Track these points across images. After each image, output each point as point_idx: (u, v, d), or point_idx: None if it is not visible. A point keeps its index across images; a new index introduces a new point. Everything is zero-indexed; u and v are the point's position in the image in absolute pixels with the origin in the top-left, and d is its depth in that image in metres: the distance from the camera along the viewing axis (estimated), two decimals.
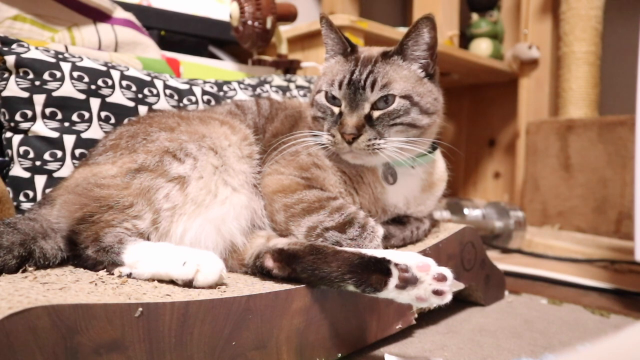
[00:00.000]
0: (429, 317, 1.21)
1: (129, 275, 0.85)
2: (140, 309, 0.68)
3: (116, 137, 1.08)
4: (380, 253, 0.86)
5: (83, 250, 0.90)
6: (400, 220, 1.16)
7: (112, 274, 0.85)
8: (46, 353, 0.59)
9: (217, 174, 0.99)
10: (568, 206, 2.38)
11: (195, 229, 0.94)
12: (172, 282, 0.84)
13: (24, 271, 0.82)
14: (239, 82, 1.72)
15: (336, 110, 1.05)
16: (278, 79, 2.05)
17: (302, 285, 0.88)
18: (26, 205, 1.21)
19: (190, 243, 0.94)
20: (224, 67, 2.20)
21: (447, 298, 0.83)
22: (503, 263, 1.80)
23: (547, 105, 2.72)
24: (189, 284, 0.82)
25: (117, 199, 0.92)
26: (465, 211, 2.24)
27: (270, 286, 0.87)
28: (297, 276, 0.88)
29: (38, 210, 1.01)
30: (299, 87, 2.07)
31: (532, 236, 2.20)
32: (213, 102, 1.55)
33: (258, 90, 1.72)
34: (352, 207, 1.00)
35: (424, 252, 1.11)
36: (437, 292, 0.82)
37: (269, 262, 0.90)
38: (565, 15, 2.54)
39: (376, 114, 1.01)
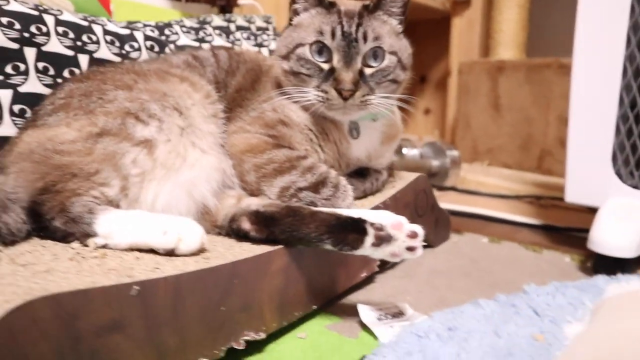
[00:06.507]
0: (387, 262, 1.29)
1: (105, 246, 0.83)
2: (137, 287, 0.67)
3: (66, 95, 1.00)
4: (355, 213, 0.90)
5: (49, 221, 0.85)
6: (360, 173, 1.20)
7: (86, 246, 0.83)
8: (51, 342, 0.58)
9: (184, 135, 0.96)
10: (496, 144, 2.54)
11: (166, 194, 0.92)
12: (151, 250, 0.83)
13: None
14: (181, 25, 1.62)
15: (325, 66, 1.03)
16: (217, 19, 1.95)
17: (280, 246, 0.90)
18: None
19: (162, 208, 0.92)
20: (157, 5, 2.06)
21: (418, 253, 0.89)
22: (440, 202, 1.92)
23: (477, 46, 2.82)
24: (170, 253, 0.82)
25: (81, 166, 0.88)
26: (404, 151, 2.33)
27: (249, 248, 0.89)
28: (275, 238, 0.90)
29: None
30: (239, 28, 1.99)
31: (464, 173, 2.35)
32: (157, 48, 1.46)
33: (201, 34, 1.64)
34: (323, 167, 1.02)
35: (384, 203, 1.17)
36: (410, 248, 0.88)
37: (246, 225, 0.91)
38: None
39: (369, 70, 1.02)
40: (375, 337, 0.94)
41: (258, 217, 0.91)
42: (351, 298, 1.10)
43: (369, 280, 1.18)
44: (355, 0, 1.13)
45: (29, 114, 1.18)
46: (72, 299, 0.61)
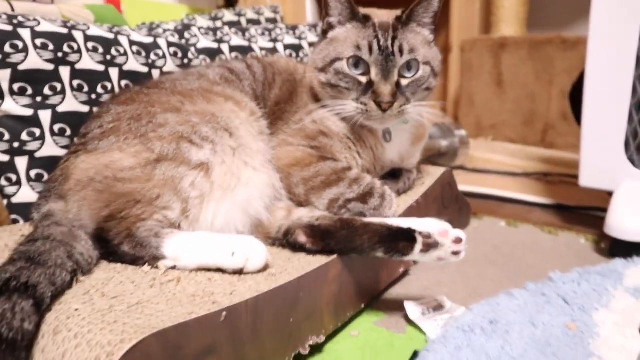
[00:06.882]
0: None
1: (173, 268, 0.89)
2: (225, 313, 0.74)
3: (114, 118, 1.03)
4: (404, 223, 0.96)
5: (117, 247, 0.90)
6: (393, 174, 1.26)
7: (157, 268, 0.89)
8: None
9: (236, 155, 1.00)
10: (500, 119, 2.60)
11: (224, 213, 0.98)
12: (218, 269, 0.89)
13: (76, 282, 0.83)
14: (198, 27, 1.64)
15: (363, 79, 1.07)
16: (228, 14, 1.97)
17: (335, 256, 0.97)
18: (11, 190, 1.15)
19: (221, 227, 0.98)
20: (163, 1, 2.06)
21: (462, 256, 0.96)
22: None
23: (478, 22, 2.83)
24: (238, 272, 0.88)
25: (143, 192, 0.92)
26: None
27: (306, 260, 0.95)
28: (330, 249, 0.96)
29: (47, 205, 0.99)
30: (250, 22, 2.01)
31: (472, 151, 2.41)
32: (180, 54, 1.48)
33: (219, 34, 1.65)
34: (368, 177, 1.08)
35: (417, 202, 1.24)
36: (455, 253, 0.95)
37: (302, 238, 0.97)
38: None
39: (405, 81, 1.07)
40: (421, 331, 1.02)
41: (314, 230, 0.97)
42: (392, 292, 1.17)
43: (404, 273, 1.25)
44: (386, 10, 1.16)
45: (69, 132, 1.21)
46: (175, 332, 0.67)
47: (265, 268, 0.91)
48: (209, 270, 0.89)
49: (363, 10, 1.13)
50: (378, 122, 1.09)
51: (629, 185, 1.38)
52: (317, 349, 0.95)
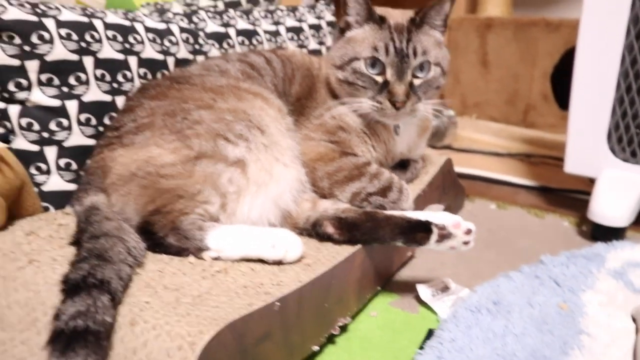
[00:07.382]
0: None
1: (217, 258, 0.97)
2: (278, 303, 0.83)
3: (147, 114, 1.08)
4: (422, 216, 1.06)
5: (163, 239, 0.97)
6: (401, 164, 1.35)
7: (201, 258, 0.96)
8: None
9: (268, 152, 1.07)
10: (484, 98, 2.71)
11: (258, 207, 1.05)
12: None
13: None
14: (205, 10, 1.66)
15: (379, 78, 1.14)
16: None
17: (359, 245, 1.07)
18: (41, 179, 1.19)
19: (255, 219, 1.06)
20: None
21: (471, 245, 1.07)
22: None
23: (464, 1, 2.90)
24: (278, 263, 0.97)
25: (185, 188, 0.99)
26: None
27: (334, 249, 1.05)
28: (356, 240, 1.06)
29: (88, 198, 1.04)
30: (250, 1, 2.02)
31: (458, 130, 2.52)
32: (191, 40, 1.51)
33: (225, 18, 1.67)
34: (387, 172, 1.17)
35: (423, 191, 1.34)
36: (465, 242, 1.06)
37: (330, 229, 1.06)
38: None
39: (417, 81, 1.15)
40: (432, 311, 1.14)
41: (341, 222, 1.06)
42: (401, 275, 1.29)
43: (411, 256, 1.37)
44: (400, 10, 1.22)
45: (94, 122, 1.25)
46: (242, 323, 0.77)
47: (300, 259, 1.00)
48: (249, 260, 0.98)
49: (378, 10, 1.20)
50: (391, 118, 1.18)
51: (610, 173, 1.52)
52: (343, 329, 1.05)
